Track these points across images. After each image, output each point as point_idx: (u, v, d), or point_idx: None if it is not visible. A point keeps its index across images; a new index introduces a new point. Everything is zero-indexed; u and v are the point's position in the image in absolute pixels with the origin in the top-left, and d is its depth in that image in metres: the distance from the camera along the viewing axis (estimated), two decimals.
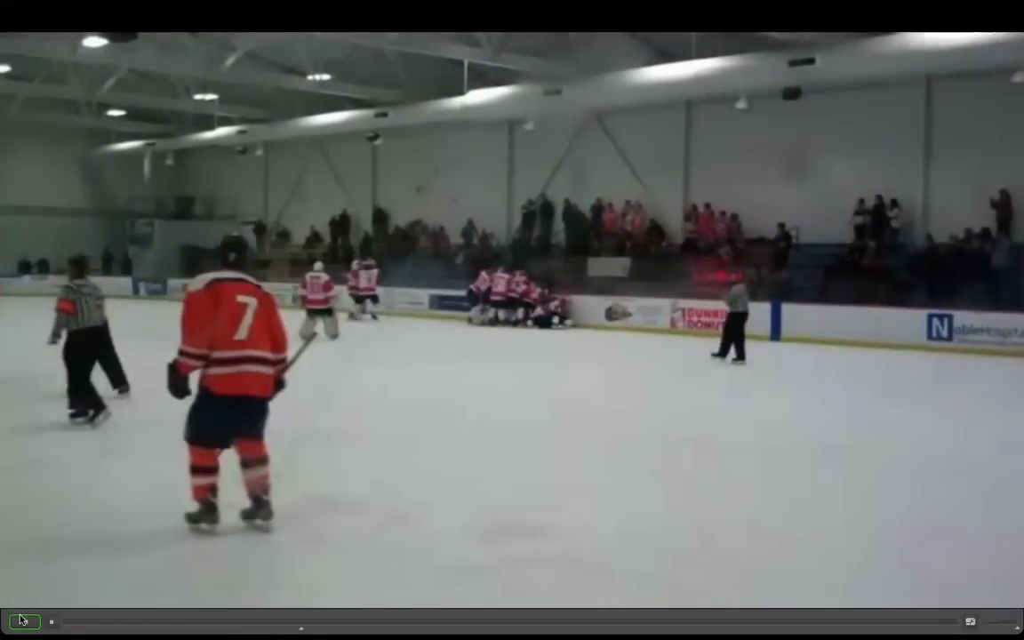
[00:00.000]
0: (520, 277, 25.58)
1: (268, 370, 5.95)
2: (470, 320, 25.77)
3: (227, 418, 5.84)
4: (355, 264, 27.77)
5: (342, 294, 23.24)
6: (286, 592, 5.09)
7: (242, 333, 5.81)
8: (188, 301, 5.88)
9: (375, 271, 27.18)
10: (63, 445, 8.83)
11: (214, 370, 5.79)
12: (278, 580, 5.41)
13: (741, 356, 16.33)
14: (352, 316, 25.00)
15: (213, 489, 5.90)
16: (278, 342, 6.06)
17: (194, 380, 5.91)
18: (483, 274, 26.26)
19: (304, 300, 20.24)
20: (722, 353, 16.45)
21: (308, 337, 8.17)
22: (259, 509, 5.93)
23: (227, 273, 5.97)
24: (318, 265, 21.14)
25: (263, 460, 5.97)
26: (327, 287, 20.11)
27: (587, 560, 5.54)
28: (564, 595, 4.90)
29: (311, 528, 6.10)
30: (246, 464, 5.93)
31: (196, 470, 5.89)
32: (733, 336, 16.47)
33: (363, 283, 26.66)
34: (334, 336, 19.52)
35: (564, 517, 6.42)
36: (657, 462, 8.53)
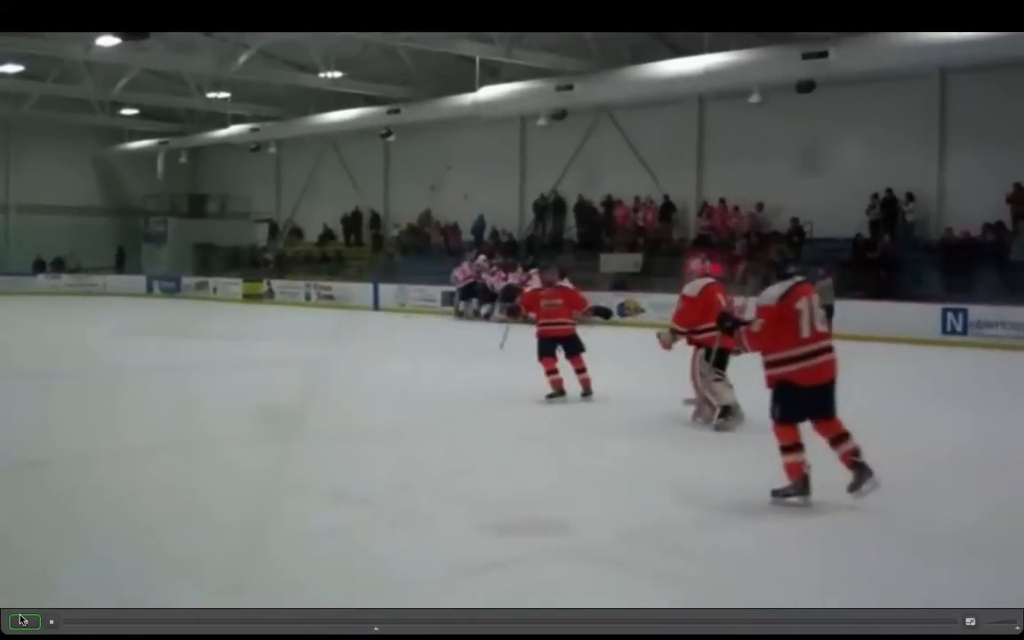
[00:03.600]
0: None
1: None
2: (461, 314, 25.88)
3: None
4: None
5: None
6: (289, 591, 5.09)
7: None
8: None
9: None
10: (67, 444, 8.85)
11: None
12: (279, 580, 5.41)
13: None
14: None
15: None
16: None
17: None
18: (465, 266, 26.30)
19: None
20: None
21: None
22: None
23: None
24: (482, 257, 26.70)
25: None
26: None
27: (597, 560, 5.52)
28: (575, 596, 4.89)
29: (318, 527, 6.11)
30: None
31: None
32: None
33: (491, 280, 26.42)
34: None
35: (578, 515, 6.39)
36: (668, 461, 8.51)
